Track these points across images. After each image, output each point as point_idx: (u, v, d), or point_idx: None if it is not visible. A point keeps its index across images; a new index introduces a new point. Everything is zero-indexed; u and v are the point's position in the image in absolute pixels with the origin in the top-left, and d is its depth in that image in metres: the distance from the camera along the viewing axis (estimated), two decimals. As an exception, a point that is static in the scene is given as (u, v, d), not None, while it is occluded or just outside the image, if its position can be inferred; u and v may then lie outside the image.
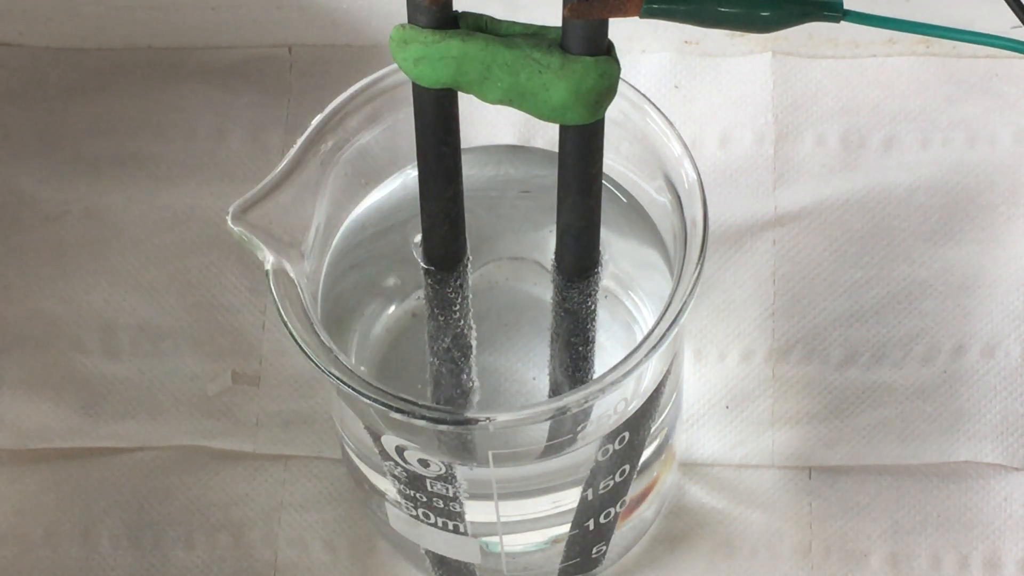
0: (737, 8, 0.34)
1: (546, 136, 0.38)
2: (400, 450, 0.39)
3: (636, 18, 0.34)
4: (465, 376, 0.42)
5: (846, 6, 0.34)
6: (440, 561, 0.44)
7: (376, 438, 0.39)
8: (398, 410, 0.36)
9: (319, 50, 0.50)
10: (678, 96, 0.49)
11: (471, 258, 0.41)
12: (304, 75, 0.50)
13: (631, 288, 0.42)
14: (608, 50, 0.35)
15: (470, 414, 0.39)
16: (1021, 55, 0.35)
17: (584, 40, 0.34)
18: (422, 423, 0.37)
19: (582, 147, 0.37)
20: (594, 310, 0.41)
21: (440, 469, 0.39)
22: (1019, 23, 0.35)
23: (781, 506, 0.45)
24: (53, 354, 0.47)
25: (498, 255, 0.42)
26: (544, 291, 0.41)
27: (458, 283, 0.41)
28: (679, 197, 0.38)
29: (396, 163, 0.41)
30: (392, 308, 0.43)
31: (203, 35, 0.50)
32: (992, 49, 0.35)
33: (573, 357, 0.41)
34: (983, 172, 0.48)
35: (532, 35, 0.35)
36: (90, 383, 0.46)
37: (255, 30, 0.50)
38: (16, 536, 0.45)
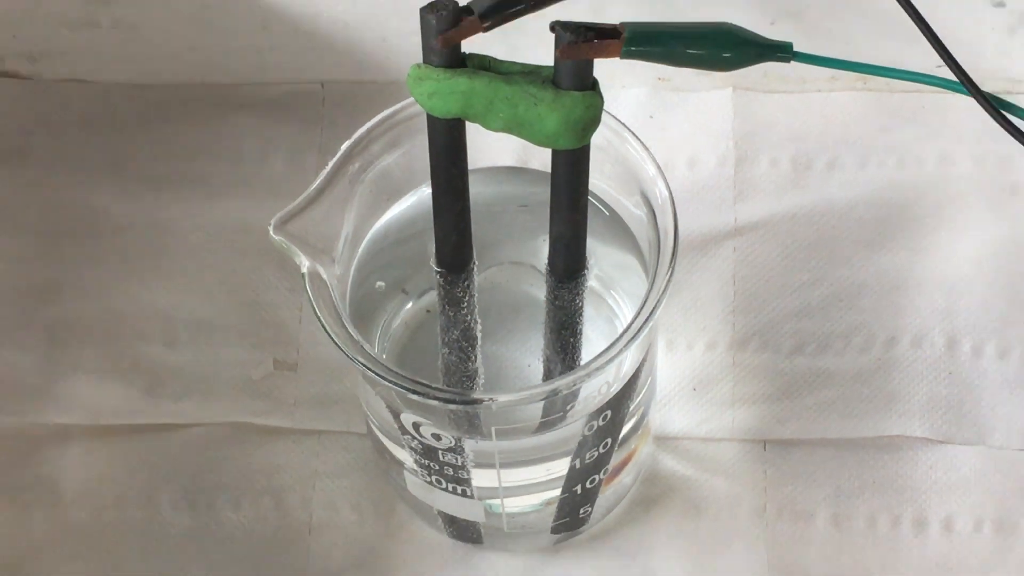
0: (703, 50, 0.35)
1: (541, 159, 0.39)
2: (416, 426, 0.39)
3: (617, 59, 0.35)
4: (471, 363, 0.42)
5: (795, 49, 0.35)
6: (451, 520, 0.44)
7: (396, 415, 0.40)
8: (415, 392, 0.37)
9: (348, 85, 0.50)
10: (652, 125, 0.49)
11: (476, 263, 0.41)
12: (335, 107, 0.50)
13: (612, 288, 0.42)
14: (593, 86, 0.35)
15: (475, 395, 0.40)
16: (944, 90, 0.36)
17: (573, 77, 0.35)
18: (435, 403, 0.37)
19: (571, 169, 0.37)
20: (581, 307, 0.41)
21: (450, 442, 0.40)
22: (942, 63, 0.36)
23: (740, 474, 0.45)
24: (121, 345, 0.47)
25: (499, 260, 0.43)
26: (539, 291, 0.42)
27: (465, 284, 0.41)
28: (653, 211, 0.39)
29: (413, 182, 0.41)
30: (409, 305, 0.43)
31: (249, 73, 0.50)
32: (919, 85, 0.36)
33: (563, 347, 0.42)
34: (912, 189, 0.49)
35: (528, 73, 0.36)
36: (152, 369, 0.47)
37: (293, 69, 0.50)
38: (89, 500, 0.46)
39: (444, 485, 0.42)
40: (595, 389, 0.39)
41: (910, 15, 0.36)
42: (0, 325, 0.48)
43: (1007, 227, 0.48)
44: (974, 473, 0.45)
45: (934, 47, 0.35)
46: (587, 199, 0.38)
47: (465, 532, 0.45)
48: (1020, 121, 0.34)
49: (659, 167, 0.39)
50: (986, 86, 0.35)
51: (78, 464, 0.46)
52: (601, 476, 0.42)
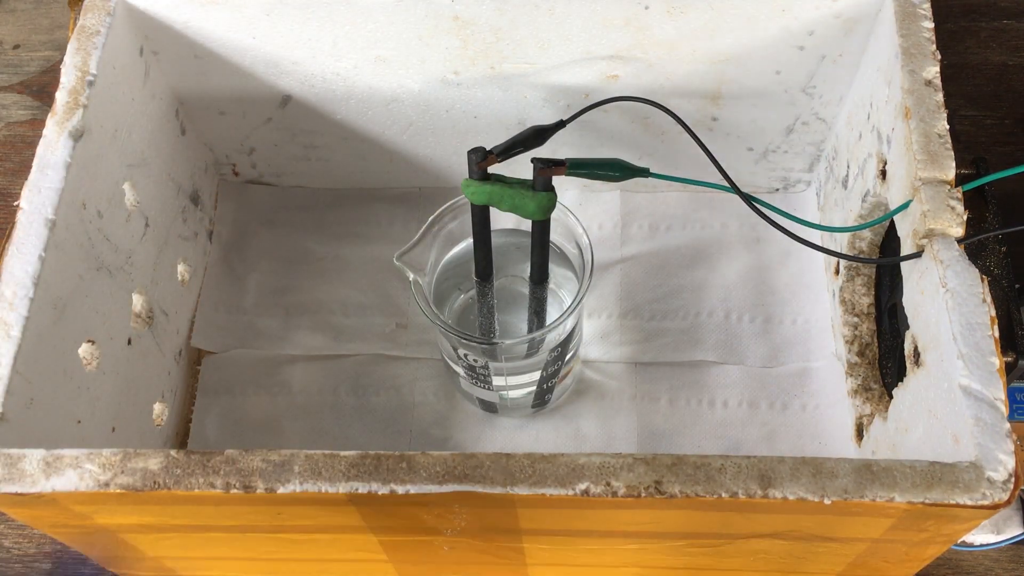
0: (605, 172, 0.36)
1: (526, 224, 0.38)
2: (465, 355, 0.39)
3: (564, 176, 0.35)
4: (492, 324, 0.42)
5: (651, 171, 0.35)
6: (482, 402, 0.44)
7: (455, 349, 0.40)
8: (464, 338, 0.37)
9: (433, 189, 0.49)
10: (581, 209, 0.48)
11: (496, 275, 0.41)
12: (425, 199, 0.49)
13: (560, 288, 0.42)
14: (551, 188, 0.36)
15: (494, 340, 0.40)
16: (724, 191, 0.36)
17: (542, 184, 0.35)
18: (474, 344, 0.38)
19: (541, 229, 0.38)
20: (546, 298, 0.41)
21: (482, 363, 0.40)
22: (722, 179, 0.36)
23: (622, 378, 0.44)
24: (320, 315, 0.46)
25: (506, 274, 0.43)
26: (525, 289, 0.42)
27: (489, 286, 0.41)
28: (581, 250, 0.39)
29: (463, 236, 0.41)
30: (462, 296, 0.43)
31: (382, 182, 0.49)
32: (711, 188, 0.36)
33: (537, 316, 0.42)
34: (707, 239, 0.48)
35: (520, 182, 0.36)
36: (335, 327, 0.46)
37: (404, 180, 0.49)
38: (305, 391, 0.44)
39: (478, 384, 0.42)
40: (553, 337, 0.39)
41: (709, 158, 0.36)
42: (262, 306, 0.47)
43: (754, 258, 0.47)
44: (737, 378, 0.44)
45: (719, 170, 0.36)
46: (548, 243, 0.38)
47: (489, 407, 0.44)
48: (759, 206, 0.35)
49: (584, 228, 0.39)
50: (744, 189, 0.35)
51: (300, 374, 0.45)
52: (556, 379, 0.42)
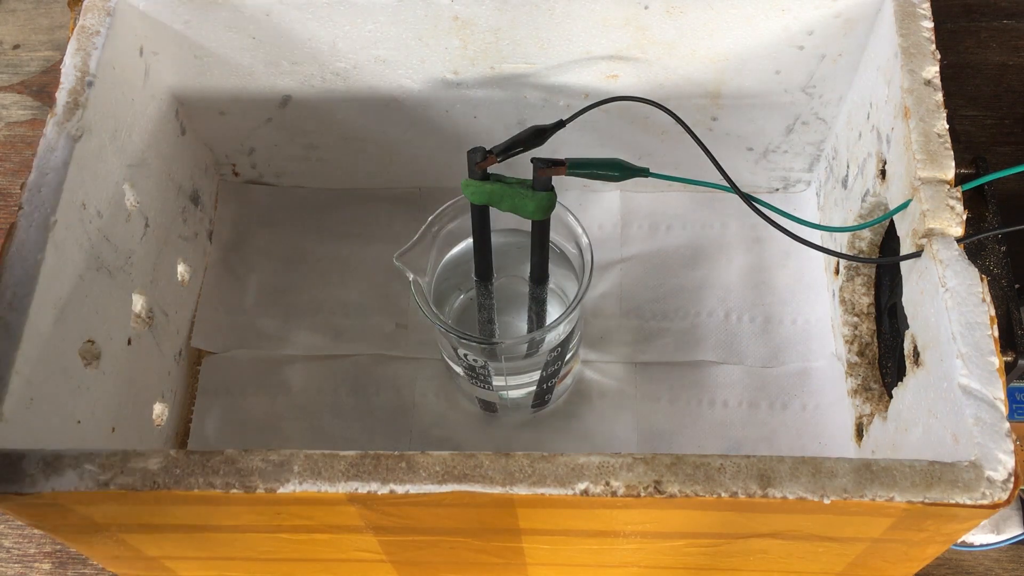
0: (605, 172, 0.36)
1: (526, 224, 0.38)
2: (465, 355, 0.40)
3: (564, 176, 0.35)
4: (492, 324, 0.42)
5: (650, 171, 0.35)
6: (482, 401, 0.44)
7: (455, 350, 0.40)
8: (464, 338, 0.37)
9: (433, 188, 0.49)
10: (581, 209, 0.48)
11: (495, 275, 0.41)
12: (425, 198, 0.49)
13: (561, 288, 0.42)
14: (551, 188, 0.36)
15: (495, 340, 0.40)
16: (723, 191, 0.36)
17: (542, 184, 0.35)
18: (474, 344, 0.38)
19: (541, 229, 0.38)
20: (546, 298, 0.41)
21: (482, 363, 0.40)
22: (721, 178, 0.36)
23: (623, 378, 0.44)
24: (320, 315, 0.46)
25: (506, 274, 0.42)
26: (525, 289, 0.42)
27: (489, 286, 0.41)
28: (581, 250, 0.39)
29: (463, 236, 0.41)
30: (463, 296, 0.43)
31: (382, 182, 0.49)
32: (711, 188, 0.36)
33: (537, 316, 0.42)
34: (707, 239, 0.48)
35: (520, 182, 0.36)
36: (335, 327, 0.46)
37: (404, 180, 0.49)
38: (305, 391, 0.45)
39: (478, 383, 0.42)
40: (553, 337, 0.39)
41: (709, 158, 0.36)
42: (262, 306, 0.47)
43: (754, 258, 0.47)
44: (737, 378, 0.44)
45: (719, 170, 0.36)
46: (548, 243, 0.39)
47: (489, 407, 0.44)
48: (759, 206, 0.35)
49: (584, 228, 0.39)
50: (744, 189, 0.35)
51: (299, 374, 0.45)
52: (556, 379, 0.42)
